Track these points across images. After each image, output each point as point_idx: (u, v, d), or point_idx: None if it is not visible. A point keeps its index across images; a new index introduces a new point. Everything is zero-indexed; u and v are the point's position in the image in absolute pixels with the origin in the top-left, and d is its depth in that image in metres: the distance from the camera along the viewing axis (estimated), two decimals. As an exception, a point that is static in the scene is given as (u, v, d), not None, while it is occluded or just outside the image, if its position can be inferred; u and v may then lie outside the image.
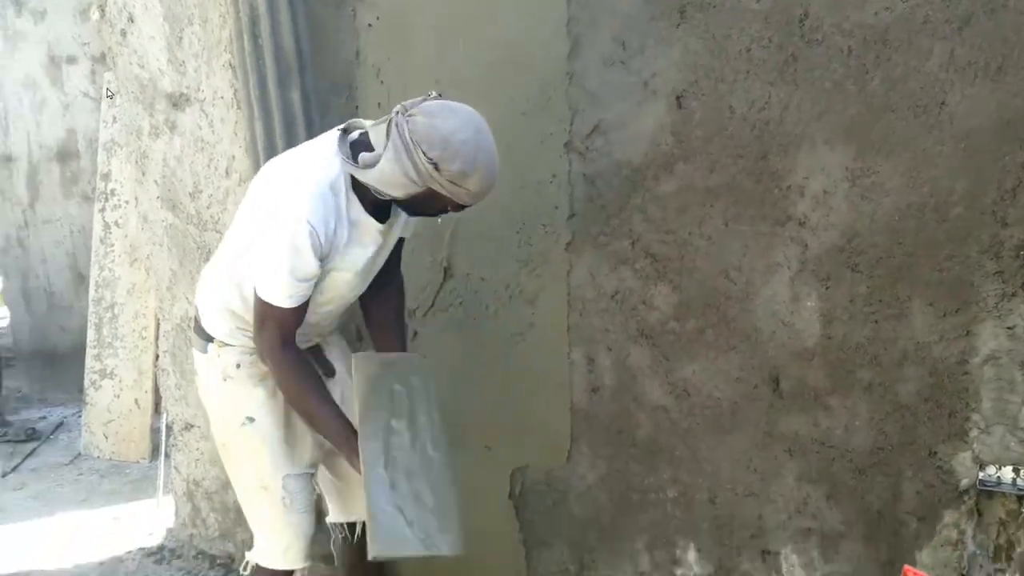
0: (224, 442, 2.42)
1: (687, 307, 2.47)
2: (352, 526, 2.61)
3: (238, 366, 2.32)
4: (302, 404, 2.24)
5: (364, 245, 2.20)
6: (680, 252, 2.44)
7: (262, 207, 2.16)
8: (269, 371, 2.24)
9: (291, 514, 2.37)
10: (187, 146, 3.33)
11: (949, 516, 2.25)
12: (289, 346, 2.18)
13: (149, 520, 4.24)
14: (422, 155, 1.93)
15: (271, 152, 2.79)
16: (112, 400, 5.18)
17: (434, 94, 2.04)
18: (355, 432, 2.18)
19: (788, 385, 2.38)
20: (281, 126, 2.87)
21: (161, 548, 3.96)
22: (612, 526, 2.79)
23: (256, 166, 2.82)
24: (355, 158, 2.07)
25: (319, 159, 2.12)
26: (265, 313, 2.13)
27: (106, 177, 5.11)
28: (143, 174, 3.54)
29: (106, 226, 5.11)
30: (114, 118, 5.03)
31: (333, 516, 2.65)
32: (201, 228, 3.38)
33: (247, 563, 2.49)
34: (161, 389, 3.97)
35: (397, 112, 2.00)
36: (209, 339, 2.35)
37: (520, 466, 2.89)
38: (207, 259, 3.40)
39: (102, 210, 5.12)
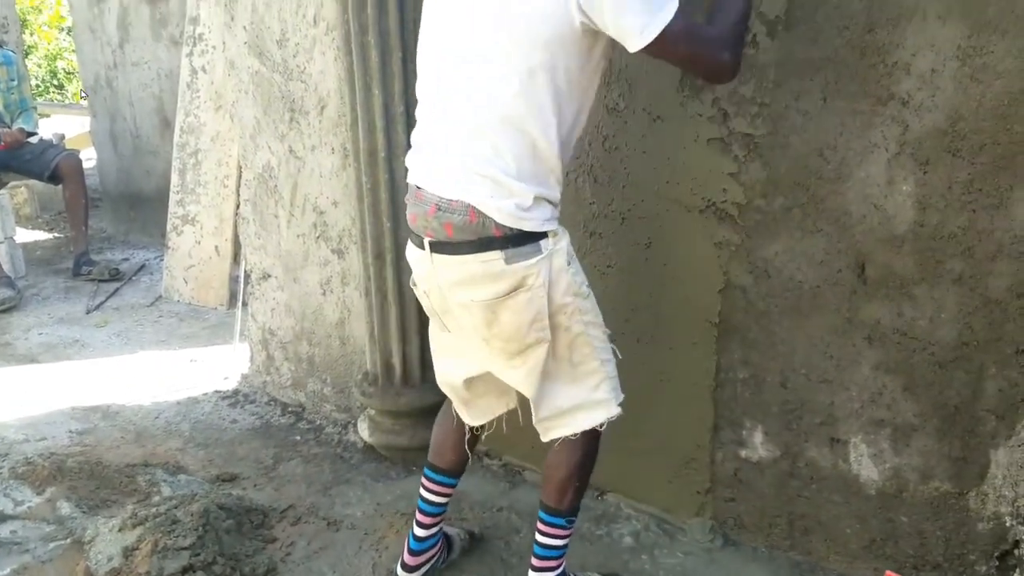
0: (567, 328, 2.11)
1: (775, 185, 2.38)
2: None
3: (567, 241, 2.08)
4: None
5: None
6: (773, 127, 2.34)
7: None
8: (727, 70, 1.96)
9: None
10: (275, -9, 3.29)
11: (1030, 416, 2.18)
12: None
13: (224, 365, 4.37)
14: None
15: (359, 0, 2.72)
16: (193, 246, 5.28)
17: None
18: None
19: (874, 272, 2.30)
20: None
21: (236, 392, 4.09)
22: (679, 402, 2.78)
23: (344, 14, 2.74)
24: None
25: None
26: (676, 38, 1.83)
27: (195, 21, 5.08)
28: (231, 19, 3.52)
29: (193, 71, 5.12)
30: (203, -39, 4.98)
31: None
32: (287, 77, 3.36)
33: (603, 424, 2.22)
34: (241, 237, 4.03)
35: None
36: (540, 236, 2.01)
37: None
38: (291, 108, 3.39)
39: (190, 55, 5.12)
